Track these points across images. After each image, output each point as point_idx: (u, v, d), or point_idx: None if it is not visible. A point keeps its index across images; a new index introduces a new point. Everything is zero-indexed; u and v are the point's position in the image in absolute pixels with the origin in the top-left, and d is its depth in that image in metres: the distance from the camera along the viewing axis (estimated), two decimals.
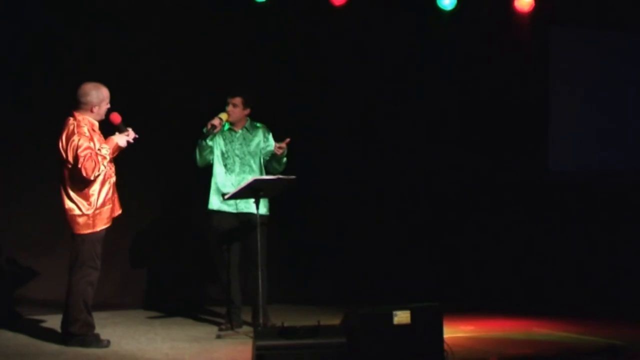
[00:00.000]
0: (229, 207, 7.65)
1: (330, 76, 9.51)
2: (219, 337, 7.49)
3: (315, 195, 9.32)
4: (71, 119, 7.03)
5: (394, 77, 9.77)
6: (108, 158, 6.99)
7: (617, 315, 8.50)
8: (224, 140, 7.71)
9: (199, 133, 7.59)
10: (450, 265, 9.74)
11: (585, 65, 10.48)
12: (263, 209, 7.58)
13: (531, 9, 9.68)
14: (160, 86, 8.81)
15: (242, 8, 9.06)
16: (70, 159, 6.92)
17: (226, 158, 7.69)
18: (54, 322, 7.49)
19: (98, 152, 6.93)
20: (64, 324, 7.11)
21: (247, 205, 7.56)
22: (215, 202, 7.70)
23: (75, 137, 6.91)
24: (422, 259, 9.66)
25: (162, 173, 8.88)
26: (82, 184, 6.95)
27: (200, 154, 7.67)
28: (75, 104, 7.05)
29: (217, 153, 7.70)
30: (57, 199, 7.09)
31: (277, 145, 7.56)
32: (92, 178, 6.90)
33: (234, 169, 7.69)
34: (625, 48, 10.61)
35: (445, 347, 6.38)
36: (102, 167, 6.92)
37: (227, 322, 7.75)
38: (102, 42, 8.62)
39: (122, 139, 7.10)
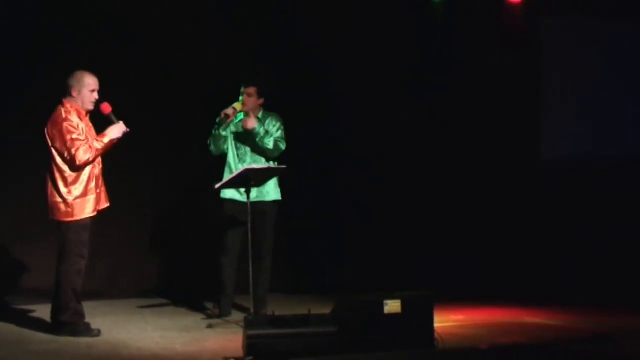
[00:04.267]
0: (241, 196, 7.65)
1: (324, 69, 9.48)
2: (210, 326, 7.48)
3: (307, 183, 9.31)
4: (60, 106, 7.04)
5: (385, 68, 9.74)
6: (99, 151, 6.99)
7: (609, 303, 8.51)
8: (237, 130, 7.71)
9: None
10: (443, 254, 9.74)
11: (579, 54, 10.49)
12: (274, 195, 7.66)
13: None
14: (160, 78, 8.81)
15: (242, 4, 9.07)
16: (58, 145, 6.92)
17: (238, 148, 7.72)
18: (44, 311, 7.47)
19: (91, 143, 6.94)
20: (54, 313, 7.09)
21: (260, 195, 7.58)
22: (228, 191, 7.70)
23: (65, 124, 6.92)
24: (415, 249, 9.66)
25: (153, 163, 8.87)
26: (70, 169, 6.93)
27: (215, 144, 7.70)
28: (65, 92, 7.06)
29: (230, 142, 7.72)
30: (45, 188, 7.09)
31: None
32: (80, 165, 6.89)
33: (246, 158, 7.70)
34: (619, 36, 10.62)
35: (436, 336, 6.40)
36: (91, 158, 6.91)
37: (215, 308, 7.75)
38: (95, 33, 8.60)
39: (115, 131, 7.08)
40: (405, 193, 9.80)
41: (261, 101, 7.78)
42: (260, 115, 7.79)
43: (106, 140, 7.01)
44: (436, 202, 9.88)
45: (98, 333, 7.06)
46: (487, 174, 10.05)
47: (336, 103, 9.55)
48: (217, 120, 7.58)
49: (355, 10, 9.46)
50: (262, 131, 7.65)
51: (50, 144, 6.98)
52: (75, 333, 6.98)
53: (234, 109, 7.58)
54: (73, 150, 6.86)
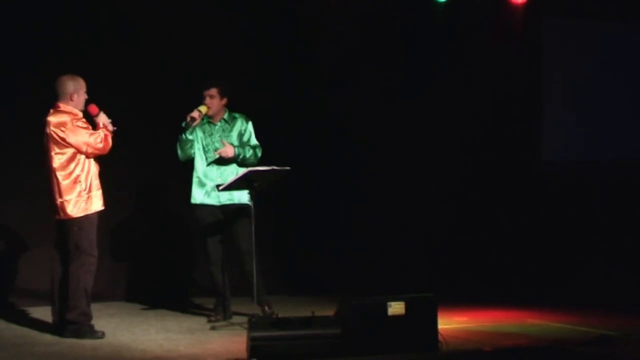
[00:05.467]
0: (213, 199, 7.64)
1: (319, 68, 9.49)
2: (213, 328, 7.47)
3: (310, 185, 9.32)
4: (58, 109, 7.09)
5: (386, 68, 9.76)
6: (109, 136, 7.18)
7: (610, 305, 8.52)
8: (204, 133, 7.69)
9: (180, 127, 7.58)
10: (445, 256, 9.75)
11: (579, 55, 10.51)
12: (245, 199, 7.52)
13: (525, 0, 9.72)
14: (143, 80, 8.80)
15: (242, 4, 9.08)
16: (72, 141, 6.97)
17: (207, 151, 7.68)
18: (47, 313, 7.47)
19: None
20: (59, 311, 7.09)
21: (231, 197, 7.57)
22: (198, 196, 7.68)
23: (75, 123, 7.00)
24: (417, 250, 9.67)
25: (156, 164, 8.87)
26: (95, 156, 7.10)
27: (182, 149, 7.65)
28: (56, 97, 7.12)
29: (197, 146, 7.69)
30: (47, 190, 7.09)
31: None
32: (107, 151, 7.10)
33: (213, 163, 7.65)
34: (619, 37, 10.64)
35: (440, 338, 6.41)
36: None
37: (216, 315, 7.75)
38: (82, 38, 8.60)
39: (103, 117, 7.18)
40: (406, 194, 9.80)
41: (224, 101, 7.70)
42: (226, 116, 7.73)
43: (102, 125, 7.16)
44: (437, 203, 9.89)
45: (102, 335, 7.06)
46: (487, 175, 10.07)
47: (337, 103, 9.55)
48: (183, 124, 7.52)
49: (355, 10, 9.47)
50: (241, 152, 7.60)
51: (62, 142, 6.98)
52: (79, 334, 6.98)
53: (200, 111, 7.53)
54: (93, 140, 7.01)
